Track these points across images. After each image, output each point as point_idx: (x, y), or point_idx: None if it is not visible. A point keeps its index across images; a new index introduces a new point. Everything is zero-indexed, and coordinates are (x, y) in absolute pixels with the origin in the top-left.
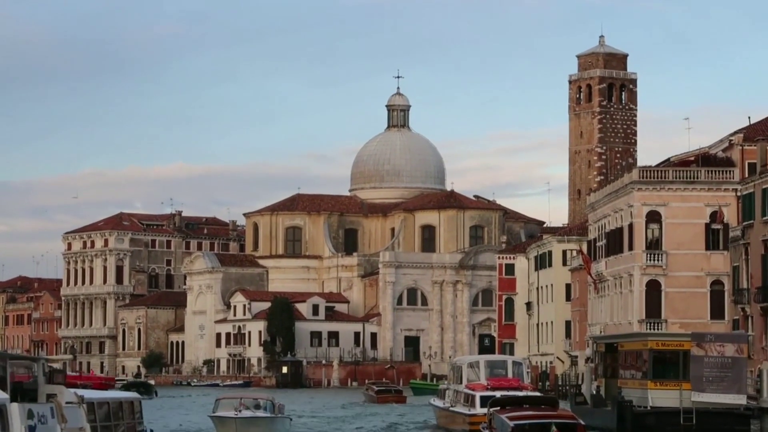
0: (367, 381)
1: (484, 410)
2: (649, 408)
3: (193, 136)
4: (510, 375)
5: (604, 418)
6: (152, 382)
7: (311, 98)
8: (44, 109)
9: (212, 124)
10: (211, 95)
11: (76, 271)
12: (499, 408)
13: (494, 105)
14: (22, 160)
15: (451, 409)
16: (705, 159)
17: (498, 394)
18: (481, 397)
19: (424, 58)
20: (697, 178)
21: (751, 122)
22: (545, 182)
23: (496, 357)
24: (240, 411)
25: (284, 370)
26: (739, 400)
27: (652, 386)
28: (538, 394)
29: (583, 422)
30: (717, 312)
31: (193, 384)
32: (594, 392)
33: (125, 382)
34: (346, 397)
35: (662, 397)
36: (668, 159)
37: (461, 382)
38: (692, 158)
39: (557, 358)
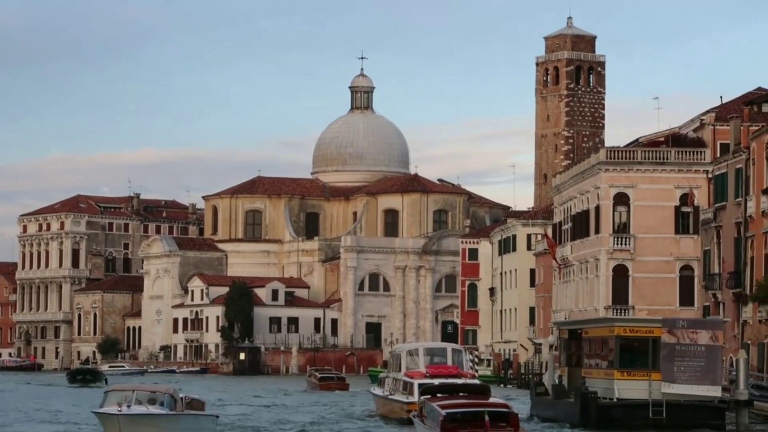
0: (309, 368)
1: None
2: (615, 400)
3: (162, 122)
4: (450, 362)
5: (566, 410)
6: (105, 367)
7: (276, 82)
8: (12, 94)
9: (181, 110)
10: (180, 80)
11: (31, 254)
12: (430, 396)
13: (461, 90)
14: None
15: (389, 397)
16: (675, 139)
17: (437, 382)
18: (419, 385)
19: (388, 39)
20: (667, 159)
21: (723, 102)
22: (512, 169)
23: (436, 344)
24: (129, 406)
25: (242, 356)
26: (714, 392)
27: (618, 376)
28: (477, 382)
29: (516, 411)
30: (686, 298)
31: (149, 371)
32: (556, 382)
33: (70, 369)
34: (296, 385)
35: (630, 388)
36: (637, 140)
37: (400, 370)
38: (662, 139)
39: (521, 345)
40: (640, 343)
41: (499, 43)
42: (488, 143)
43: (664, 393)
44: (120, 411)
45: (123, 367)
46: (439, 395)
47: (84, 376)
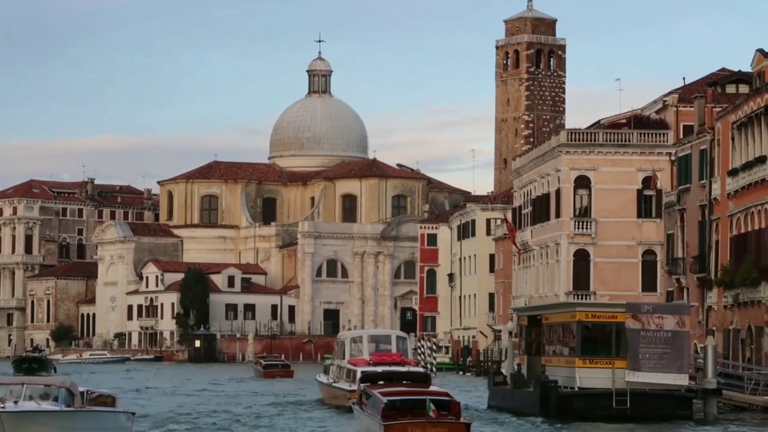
0: (255, 355)
1: None
2: (576, 389)
3: (120, 109)
4: (394, 350)
5: (525, 400)
6: (59, 355)
7: (233, 67)
8: None
9: (139, 97)
10: (138, 67)
11: None
12: (370, 384)
13: (420, 74)
14: None
15: (333, 385)
16: (637, 121)
17: (380, 369)
18: (362, 373)
19: (346, 23)
20: (629, 141)
21: (686, 83)
22: (472, 156)
23: (380, 331)
24: (16, 402)
25: (197, 344)
26: (681, 380)
27: (580, 364)
28: (420, 370)
29: (458, 400)
30: (649, 283)
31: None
32: (515, 371)
33: (15, 357)
34: (249, 373)
35: (592, 376)
36: (599, 121)
37: (344, 358)
38: (624, 120)
39: (480, 332)
40: (602, 329)
41: (459, 26)
42: (448, 130)
43: (628, 382)
44: (3, 408)
45: (105, 354)
46: (380, 383)
47: (30, 364)
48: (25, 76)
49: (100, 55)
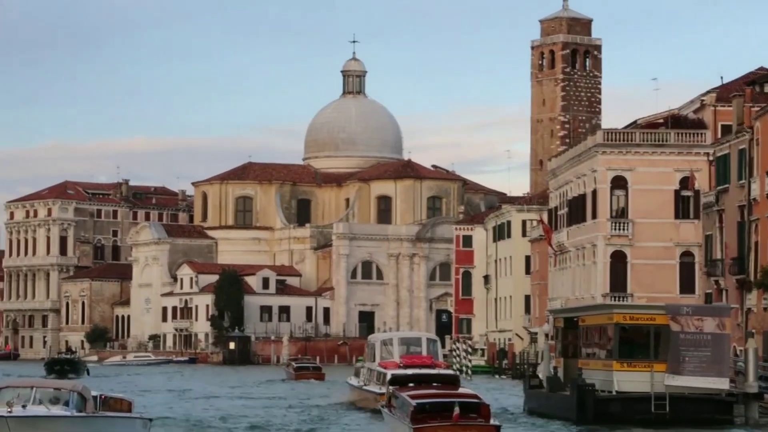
0: (288, 358)
1: None
2: (614, 393)
3: (154, 110)
4: (425, 352)
5: (562, 404)
6: (94, 357)
7: (267, 68)
8: (6, 82)
9: (173, 98)
10: (172, 69)
11: (18, 241)
12: (399, 386)
13: (455, 75)
14: None
15: (364, 387)
16: (675, 121)
17: (410, 372)
18: (391, 376)
19: (380, 24)
20: (666, 141)
21: (724, 82)
22: (507, 157)
23: (410, 334)
24: (24, 406)
25: (231, 346)
26: (721, 384)
27: (617, 367)
28: (450, 372)
29: (488, 402)
30: (687, 285)
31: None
32: (551, 374)
33: (47, 359)
34: (279, 375)
35: (630, 380)
36: (635, 121)
37: (374, 360)
38: (661, 120)
39: (516, 335)
40: (641, 331)
41: (494, 26)
42: (483, 131)
43: (667, 385)
44: (10, 412)
45: (149, 357)
46: (409, 385)
47: (62, 366)
48: (60, 77)
49: (136, 56)
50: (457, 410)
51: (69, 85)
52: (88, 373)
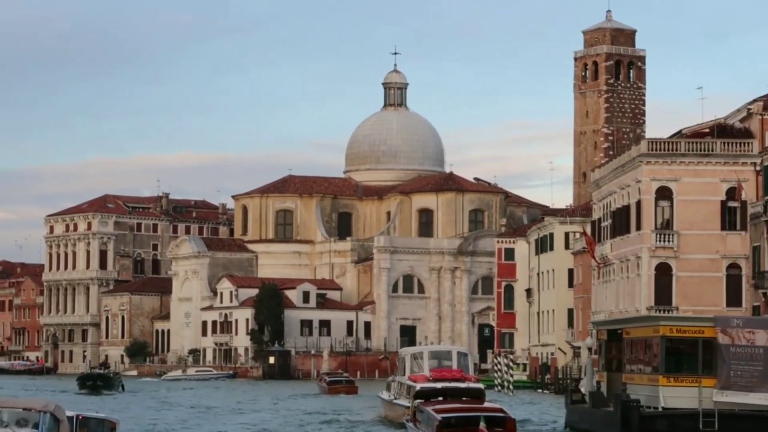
0: (320, 372)
1: None
2: (660, 409)
3: (196, 126)
4: (455, 366)
5: (605, 420)
6: (133, 372)
7: (308, 81)
8: (53, 97)
9: (217, 113)
10: (214, 84)
11: (58, 255)
12: (424, 400)
13: (497, 87)
14: (30, 149)
15: (394, 401)
16: (721, 130)
17: (439, 386)
18: (417, 390)
19: (422, 35)
20: (712, 150)
21: None
22: (550, 173)
23: (441, 347)
24: None
25: (271, 360)
26: None
27: (664, 382)
28: (478, 386)
29: (513, 416)
30: (734, 298)
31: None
32: (594, 389)
33: (80, 374)
34: (315, 389)
35: (677, 395)
36: (680, 131)
37: (404, 374)
38: (706, 130)
39: (559, 349)
40: (688, 344)
41: (537, 38)
42: (526, 145)
43: (716, 402)
44: None
45: (210, 371)
46: (433, 399)
47: (95, 381)
48: (103, 92)
49: (179, 72)
50: (483, 425)
51: (112, 100)
52: (123, 389)
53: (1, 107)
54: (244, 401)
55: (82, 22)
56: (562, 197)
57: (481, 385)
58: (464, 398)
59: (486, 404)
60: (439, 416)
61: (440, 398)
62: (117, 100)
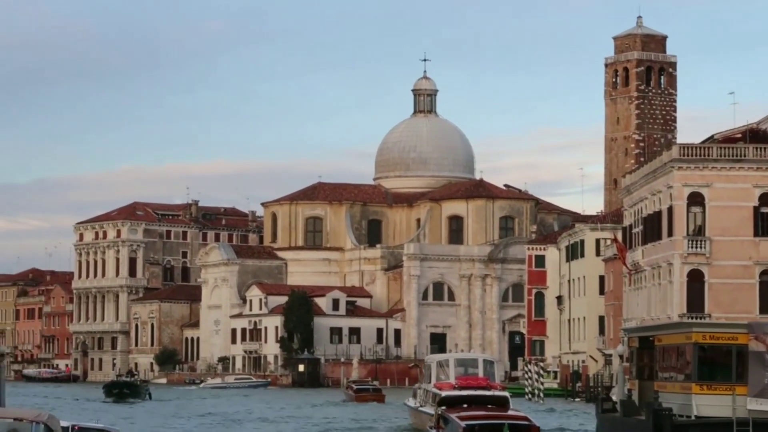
0: (347, 380)
1: None
2: (693, 418)
3: (227, 134)
4: (481, 373)
5: (637, 429)
6: (163, 380)
7: (338, 88)
8: (86, 105)
9: (246, 122)
10: (252, 92)
11: (87, 263)
12: (447, 407)
13: (527, 94)
14: (62, 157)
15: (420, 409)
16: (753, 135)
17: (464, 393)
18: (440, 397)
19: (452, 42)
20: (745, 155)
21: None
22: (581, 180)
23: (467, 355)
24: None
25: (301, 368)
26: None
27: (697, 390)
28: (503, 393)
29: (537, 424)
30: (767, 305)
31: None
32: (625, 397)
33: (106, 382)
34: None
35: (710, 404)
36: (712, 136)
37: (430, 381)
38: (739, 135)
39: (590, 356)
40: (722, 351)
41: (567, 45)
42: (556, 153)
43: (750, 410)
44: None
45: (250, 379)
46: (457, 407)
47: (121, 389)
48: (135, 100)
49: (208, 80)
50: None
51: (144, 108)
52: (150, 397)
53: (34, 116)
54: (272, 409)
55: (116, 30)
56: (593, 205)
57: (506, 393)
58: (489, 406)
59: (510, 412)
60: (463, 423)
61: (464, 405)
62: (149, 109)
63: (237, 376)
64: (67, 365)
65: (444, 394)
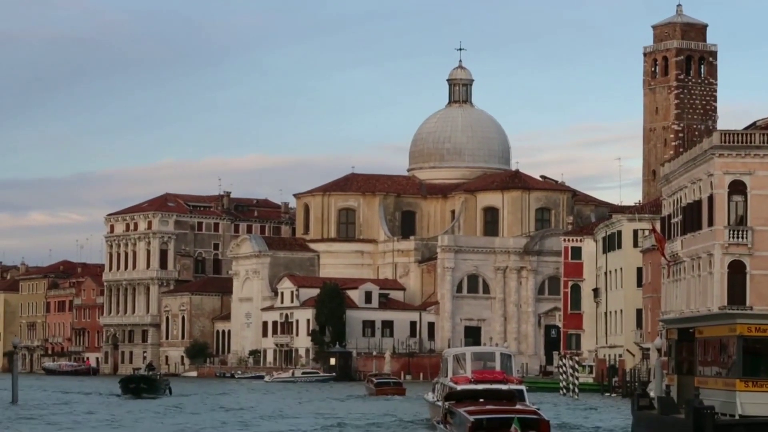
0: (368, 374)
1: None
2: (737, 417)
3: (265, 128)
4: (498, 367)
5: (675, 428)
6: (193, 373)
7: (373, 78)
8: (124, 100)
9: (282, 116)
10: (288, 86)
11: (118, 255)
12: (455, 401)
13: (564, 84)
14: (102, 151)
15: (437, 403)
16: None
17: (469, 387)
18: (449, 391)
19: (488, 31)
20: None
21: None
22: (618, 173)
23: (484, 349)
24: None
25: (332, 361)
26: None
27: (741, 387)
28: (520, 387)
29: (547, 418)
30: None
31: (236, 376)
32: (663, 393)
33: (123, 376)
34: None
35: (756, 402)
36: (754, 123)
37: (447, 375)
38: None
39: (627, 350)
40: None
41: (606, 34)
42: (594, 147)
43: None
44: None
45: (317, 373)
46: (466, 401)
47: (138, 384)
48: (173, 95)
49: (244, 76)
50: (515, 427)
51: (182, 104)
52: (170, 393)
53: (73, 111)
54: (285, 404)
55: (153, 26)
56: (631, 199)
57: (522, 387)
58: (498, 399)
59: (519, 406)
60: (471, 417)
61: (481, 400)
62: (187, 104)
63: (304, 370)
64: (99, 358)
65: (452, 388)
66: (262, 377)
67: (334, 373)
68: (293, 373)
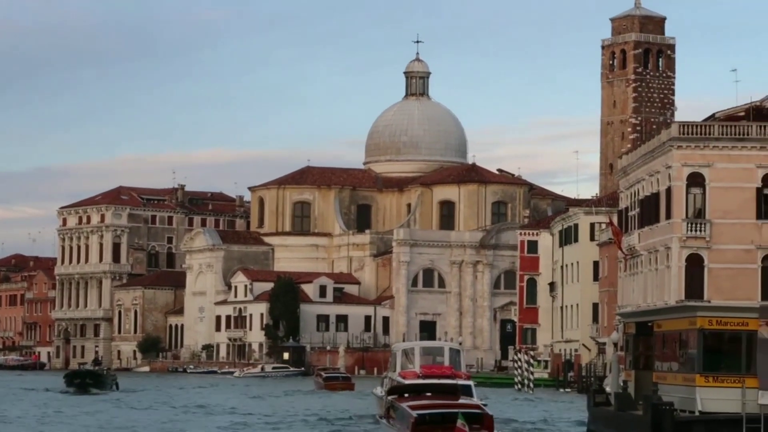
0: (316, 368)
1: None
2: (697, 413)
3: (221, 121)
4: (447, 362)
5: (633, 425)
6: (146, 368)
7: (328, 72)
8: (83, 93)
9: (243, 110)
10: (241, 79)
11: (71, 248)
12: (398, 396)
13: (523, 80)
14: (60, 145)
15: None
16: (757, 113)
17: (426, 382)
18: (391, 386)
19: (445, 24)
20: (748, 134)
21: None
22: (575, 158)
23: (433, 343)
24: None
25: (286, 356)
26: None
27: (701, 382)
28: (470, 383)
29: (491, 413)
30: None
31: (189, 371)
32: (620, 389)
33: (68, 371)
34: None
35: (716, 398)
36: (713, 114)
37: (395, 370)
38: (741, 113)
39: (583, 345)
40: (730, 339)
41: (563, 26)
42: (551, 141)
43: (761, 405)
44: None
45: (287, 369)
46: (409, 395)
47: (83, 379)
48: (125, 89)
49: (198, 70)
50: (461, 422)
51: (134, 97)
52: (117, 388)
53: (29, 103)
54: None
55: (113, 18)
56: (588, 193)
57: (469, 382)
58: (440, 394)
59: (463, 401)
60: (414, 413)
61: (427, 394)
62: (145, 98)
63: (274, 365)
64: (35, 352)
65: (395, 383)
66: (215, 372)
67: (302, 368)
68: (263, 368)
